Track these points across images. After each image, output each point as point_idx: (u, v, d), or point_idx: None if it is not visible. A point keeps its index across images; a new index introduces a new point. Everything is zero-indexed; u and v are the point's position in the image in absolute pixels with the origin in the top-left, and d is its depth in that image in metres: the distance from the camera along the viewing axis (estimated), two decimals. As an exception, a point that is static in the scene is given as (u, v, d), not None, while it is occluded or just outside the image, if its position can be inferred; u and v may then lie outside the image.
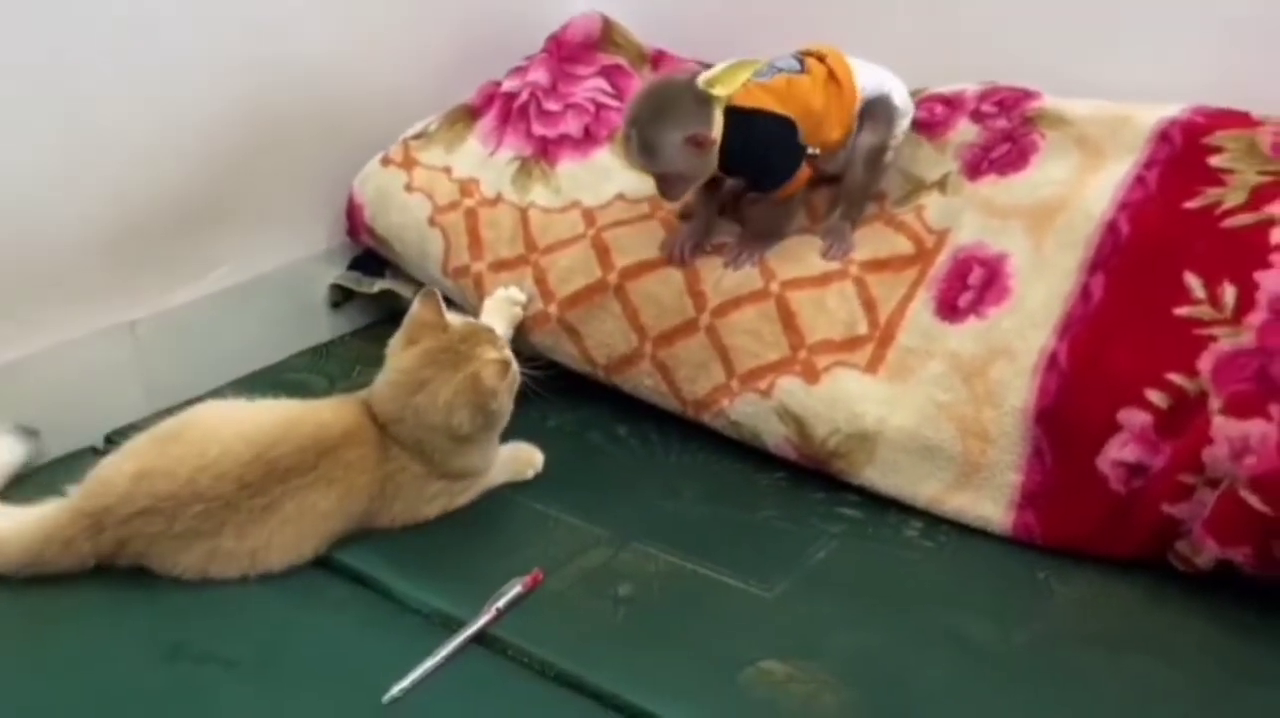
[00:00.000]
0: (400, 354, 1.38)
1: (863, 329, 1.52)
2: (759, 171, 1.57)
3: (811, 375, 1.49)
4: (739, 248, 1.59)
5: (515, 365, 1.39)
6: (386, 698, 1.13)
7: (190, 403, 1.65)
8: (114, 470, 1.31)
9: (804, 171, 1.56)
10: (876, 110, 1.61)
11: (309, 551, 1.32)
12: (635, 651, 1.19)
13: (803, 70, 1.57)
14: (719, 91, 1.49)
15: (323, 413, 1.37)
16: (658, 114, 1.48)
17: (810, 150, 1.55)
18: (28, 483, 1.50)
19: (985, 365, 1.43)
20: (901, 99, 1.64)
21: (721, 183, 1.62)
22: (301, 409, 1.38)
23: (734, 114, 1.50)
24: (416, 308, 1.40)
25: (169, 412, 1.60)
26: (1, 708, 1.15)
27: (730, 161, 1.53)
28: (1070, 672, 1.15)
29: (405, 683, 1.13)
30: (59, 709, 1.15)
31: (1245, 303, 1.32)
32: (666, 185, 1.53)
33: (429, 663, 1.16)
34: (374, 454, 1.34)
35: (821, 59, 1.58)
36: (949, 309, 1.49)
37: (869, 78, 1.61)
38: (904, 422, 1.43)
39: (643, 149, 1.48)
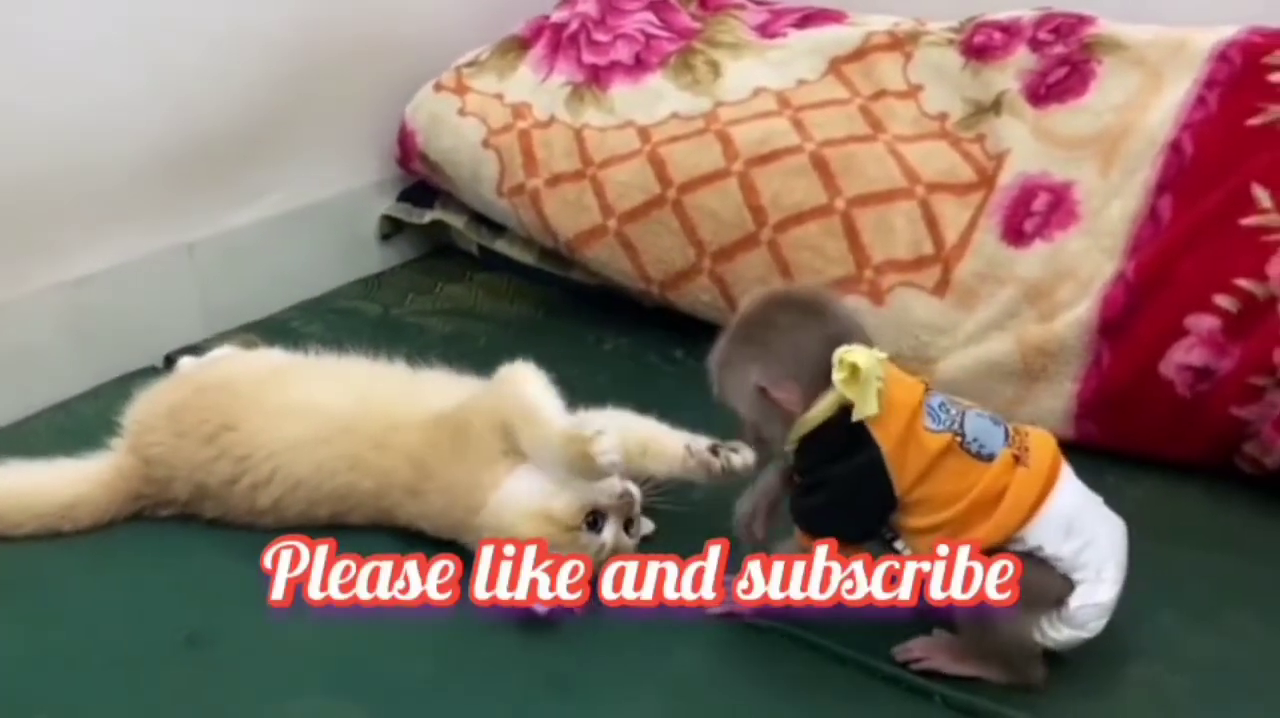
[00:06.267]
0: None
1: (928, 249, 1.52)
2: None
3: (877, 296, 1.50)
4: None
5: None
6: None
7: (247, 328, 1.69)
8: None
9: None
10: None
11: None
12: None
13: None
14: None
15: None
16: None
17: None
18: (90, 400, 1.53)
19: (1052, 288, 1.44)
20: None
21: None
22: None
23: None
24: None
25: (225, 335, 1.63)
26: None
27: None
28: (1154, 565, 1.14)
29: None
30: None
31: (1313, 209, 1.33)
32: None
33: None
34: None
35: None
36: (1015, 235, 1.49)
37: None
38: (966, 346, 1.44)
39: None
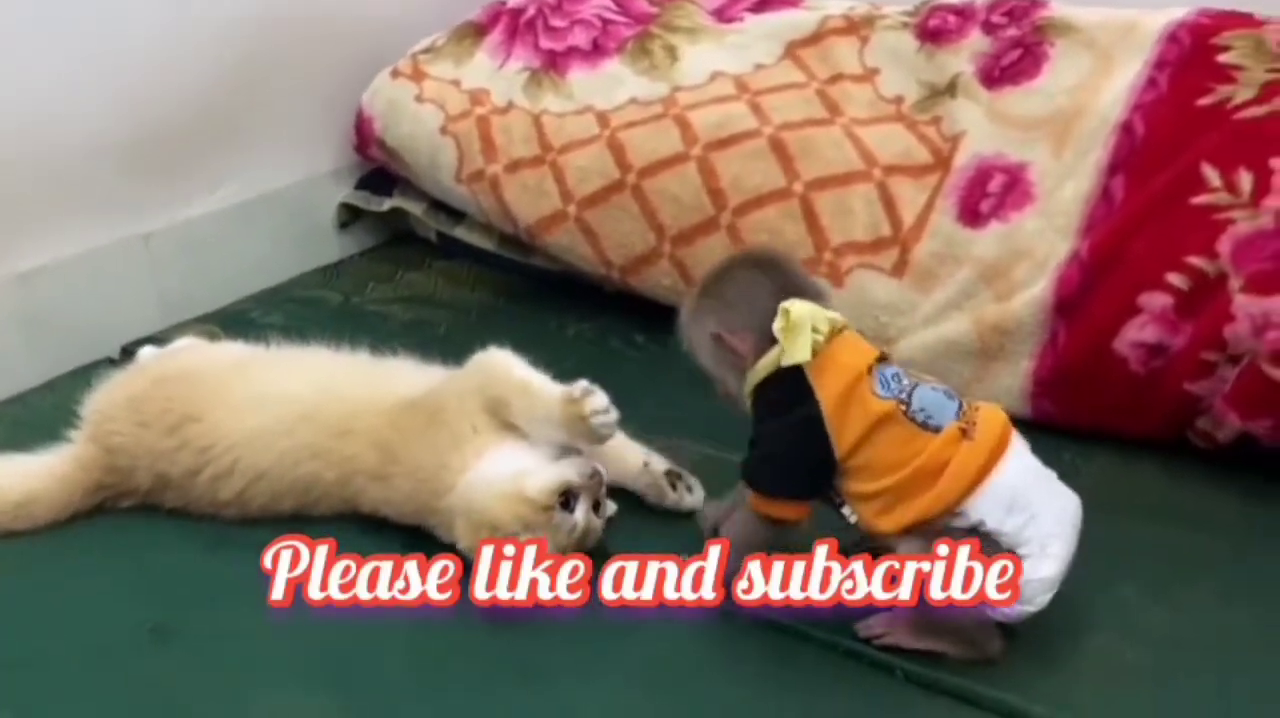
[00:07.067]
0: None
1: (886, 231, 1.53)
2: None
3: (836, 278, 1.51)
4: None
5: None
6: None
7: (204, 319, 1.68)
8: None
9: None
10: None
11: None
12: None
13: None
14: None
15: None
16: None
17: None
18: (45, 393, 1.52)
19: (1008, 268, 1.45)
20: None
21: None
22: None
23: None
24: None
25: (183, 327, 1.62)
26: None
27: None
28: (1111, 540, 1.15)
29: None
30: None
31: (1261, 187, 1.35)
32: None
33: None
34: None
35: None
36: (971, 215, 1.51)
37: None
38: (925, 326, 1.46)
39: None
